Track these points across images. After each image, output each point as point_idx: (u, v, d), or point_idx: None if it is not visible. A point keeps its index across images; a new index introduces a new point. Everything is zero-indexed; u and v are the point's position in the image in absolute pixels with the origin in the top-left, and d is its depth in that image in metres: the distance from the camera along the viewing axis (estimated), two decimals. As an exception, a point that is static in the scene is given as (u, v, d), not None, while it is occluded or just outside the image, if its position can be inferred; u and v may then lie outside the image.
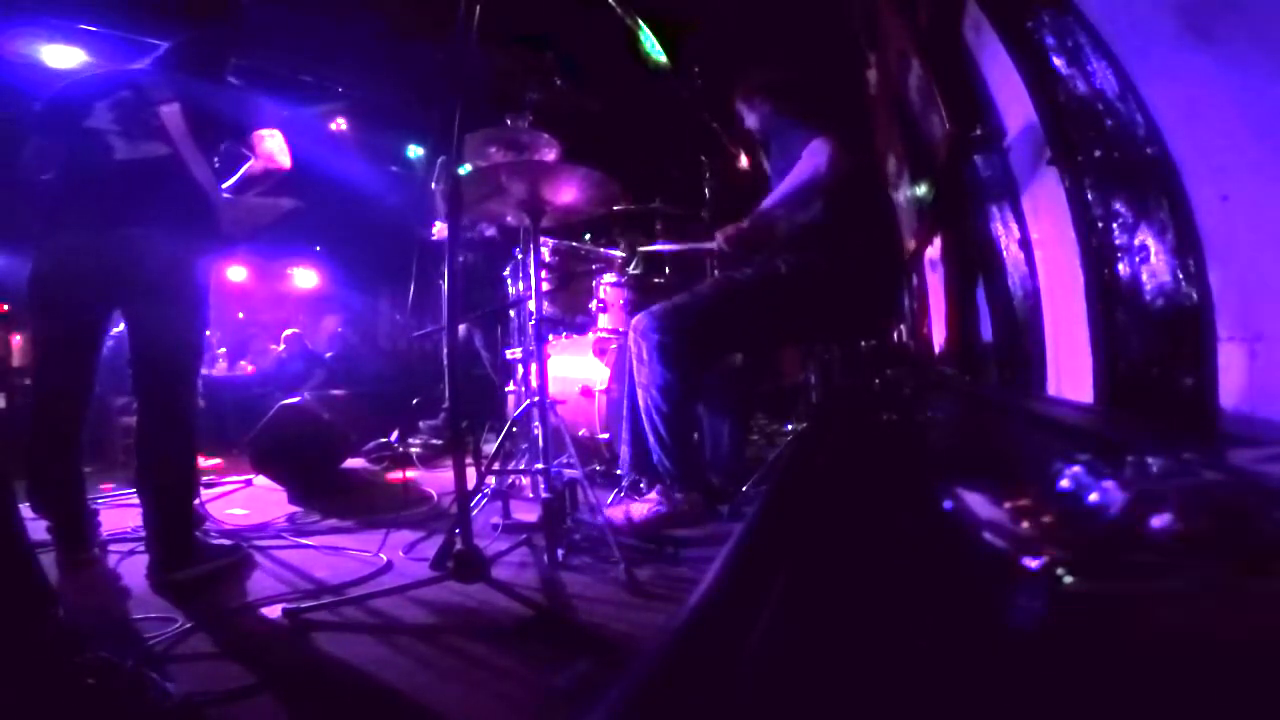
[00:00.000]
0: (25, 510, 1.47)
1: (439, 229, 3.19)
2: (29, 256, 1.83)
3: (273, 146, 1.98)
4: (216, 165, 2.00)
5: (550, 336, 2.85)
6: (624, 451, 2.09)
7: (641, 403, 1.98)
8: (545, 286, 2.66)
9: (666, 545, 1.84)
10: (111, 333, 2.02)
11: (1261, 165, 1.06)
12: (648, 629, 1.35)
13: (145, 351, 1.81)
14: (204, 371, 2.08)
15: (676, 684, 0.33)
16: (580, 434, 2.79)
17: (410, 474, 2.96)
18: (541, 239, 2.18)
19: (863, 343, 2.63)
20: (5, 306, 5.12)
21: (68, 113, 1.85)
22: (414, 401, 4.17)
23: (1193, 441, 0.71)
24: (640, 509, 1.94)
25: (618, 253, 2.93)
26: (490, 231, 3.78)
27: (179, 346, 1.83)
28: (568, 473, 1.96)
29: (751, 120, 2.27)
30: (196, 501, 2.04)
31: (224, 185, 1.98)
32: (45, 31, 3.84)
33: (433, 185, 3.24)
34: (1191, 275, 1.22)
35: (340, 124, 5.74)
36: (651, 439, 1.95)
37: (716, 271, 2.87)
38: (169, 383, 1.82)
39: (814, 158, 1.94)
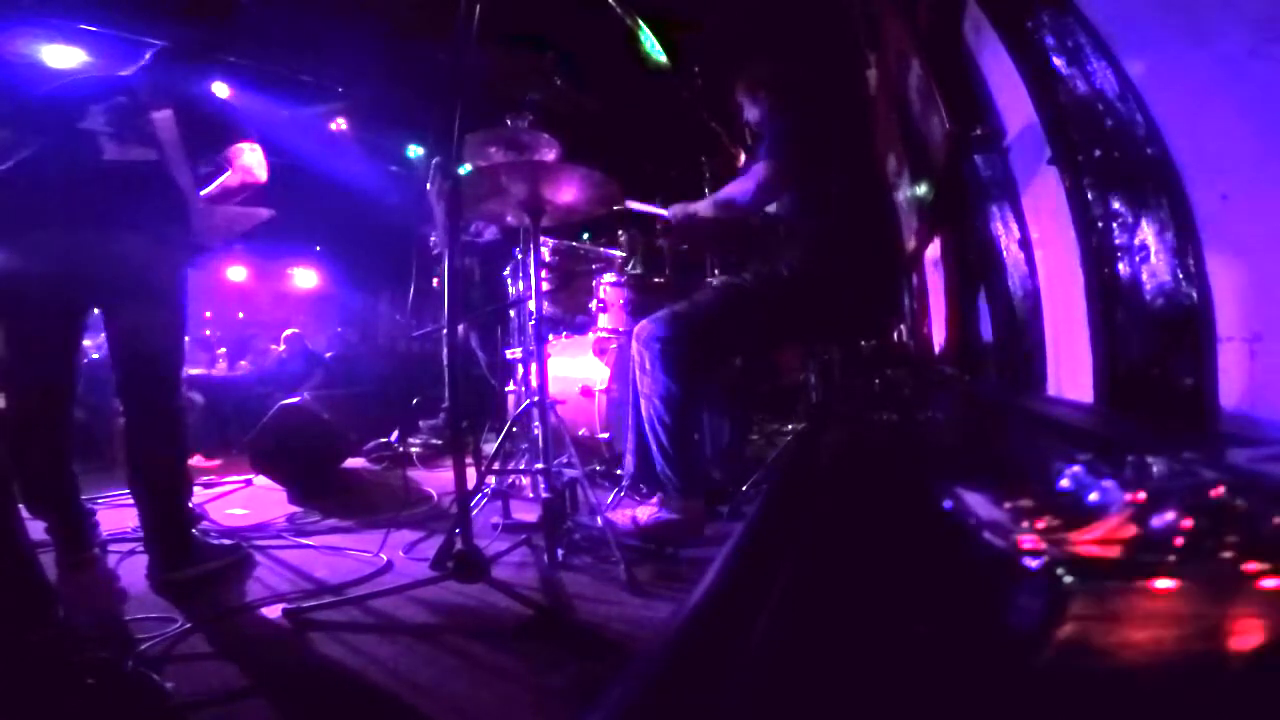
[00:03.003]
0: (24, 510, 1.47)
1: (435, 240, 3.20)
2: None
3: (251, 161, 2.03)
4: (203, 172, 2.05)
5: (550, 336, 2.85)
6: (628, 461, 2.10)
7: (645, 412, 1.97)
8: (545, 286, 2.65)
9: (666, 545, 1.84)
10: None
11: (1261, 165, 1.06)
12: (648, 629, 1.36)
13: (128, 353, 1.84)
14: (205, 371, 2.11)
15: (677, 684, 0.33)
16: (580, 434, 2.79)
17: (410, 474, 2.95)
18: (541, 239, 2.19)
19: (863, 343, 2.63)
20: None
21: (61, 112, 1.86)
22: (414, 401, 4.17)
23: (1193, 441, 0.71)
24: (645, 513, 1.94)
25: (618, 252, 2.92)
26: (491, 233, 3.78)
27: (161, 347, 1.85)
28: (568, 473, 1.96)
29: (752, 114, 2.27)
30: (192, 501, 2.04)
31: (202, 193, 2.02)
32: (45, 31, 3.84)
33: (428, 187, 3.24)
34: (1191, 275, 1.21)
35: (340, 124, 5.74)
36: (655, 449, 1.95)
37: (717, 271, 2.87)
38: (153, 383, 1.84)
39: (747, 181, 2.04)
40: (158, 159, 1.86)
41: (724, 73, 2.36)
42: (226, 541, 1.97)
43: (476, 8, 1.57)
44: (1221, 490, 0.43)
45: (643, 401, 1.98)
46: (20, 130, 1.85)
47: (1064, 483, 0.49)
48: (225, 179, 2.03)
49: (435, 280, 3.56)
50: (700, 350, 1.94)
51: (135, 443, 1.82)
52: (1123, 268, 1.38)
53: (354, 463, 3.49)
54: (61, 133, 1.83)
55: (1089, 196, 1.46)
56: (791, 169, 2.01)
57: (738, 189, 2.07)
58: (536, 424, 2.07)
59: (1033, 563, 0.36)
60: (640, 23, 2.50)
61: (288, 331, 6.22)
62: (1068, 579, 0.34)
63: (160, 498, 1.79)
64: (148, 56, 2.03)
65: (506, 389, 3.17)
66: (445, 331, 1.62)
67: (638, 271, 2.86)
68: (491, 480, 2.28)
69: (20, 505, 1.51)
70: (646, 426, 1.96)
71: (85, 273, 1.79)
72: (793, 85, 2.18)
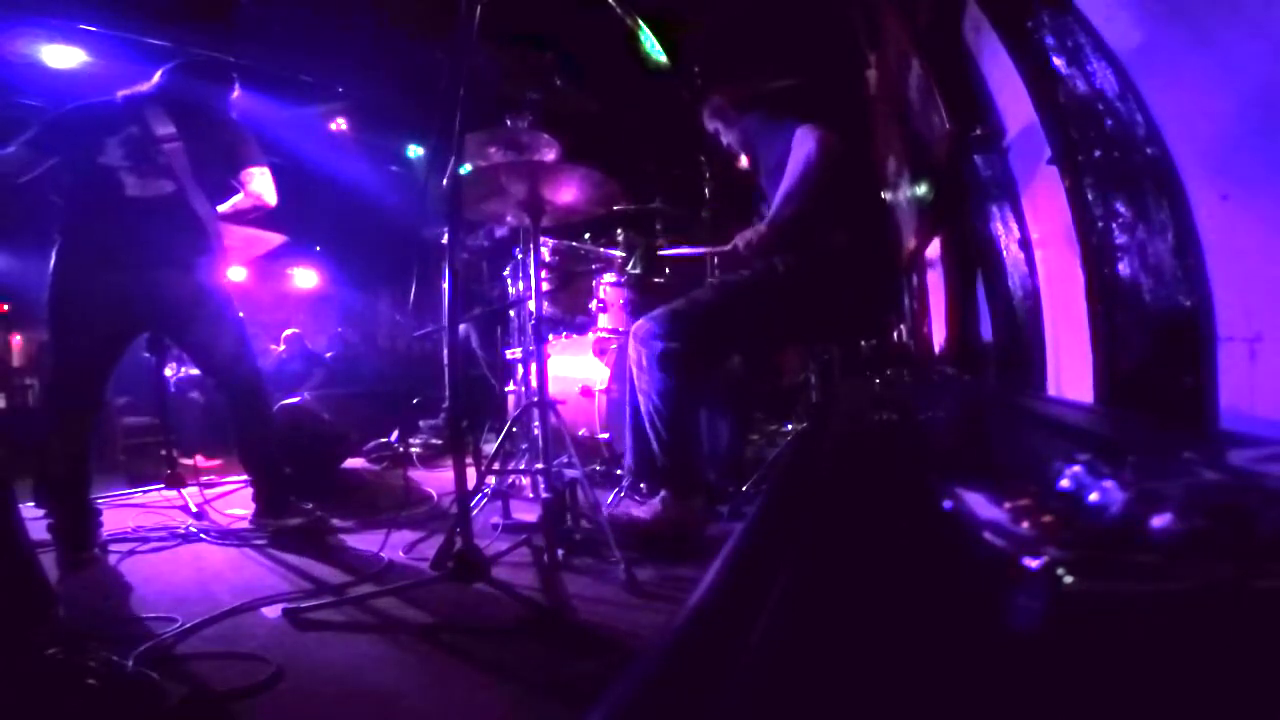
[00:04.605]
0: (26, 509, 1.47)
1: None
2: (29, 259, 1.95)
3: (261, 186, 2.19)
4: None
5: (550, 336, 2.85)
6: (627, 458, 2.10)
7: (643, 409, 1.97)
8: (545, 286, 2.65)
9: (665, 543, 1.84)
10: None
11: (1261, 165, 1.06)
12: (648, 629, 1.36)
13: (209, 363, 2.18)
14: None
15: (676, 684, 0.33)
16: (580, 434, 2.79)
17: (410, 474, 2.95)
18: (541, 239, 2.18)
19: (863, 343, 2.63)
20: (5, 306, 5.12)
21: (80, 146, 2.00)
22: (414, 401, 4.17)
23: (1193, 441, 0.71)
24: (643, 513, 1.94)
25: (618, 253, 2.93)
26: (501, 232, 3.78)
27: (222, 349, 2.12)
28: (568, 473, 1.97)
29: (731, 135, 2.25)
30: (203, 497, 2.32)
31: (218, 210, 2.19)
32: (45, 31, 3.84)
33: (444, 182, 3.25)
34: (1191, 275, 1.21)
35: (340, 124, 5.74)
36: (654, 445, 1.95)
37: (717, 271, 2.87)
38: (235, 375, 2.15)
39: (803, 146, 1.95)
40: (175, 190, 2.01)
41: (724, 73, 2.35)
42: (308, 505, 2.20)
43: (477, 8, 1.57)
44: (1221, 490, 0.43)
45: (641, 399, 1.98)
46: (39, 151, 1.95)
47: (1064, 483, 0.49)
48: (237, 201, 2.26)
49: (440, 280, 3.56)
50: (698, 347, 1.94)
51: (235, 422, 2.18)
52: (1123, 268, 1.38)
53: (354, 463, 3.49)
54: (86, 169, 1.93)
55: (1089, 196, 1.46)
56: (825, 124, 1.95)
57: (792, 174, 1.97)
58: (536, 424, 2.07)
59: (1033, 563, 0.36)
60: (640, 23, 2.50)
61: (288, 331, 6.21)
62: (1068, 579, 0.34)
63: (255, 461, 2.18)
64: (163, 79, 2.13)
65: (506, 389, 3.17)
66: (446, 330, 1.62)
67: (637, 271, 2.86)
68: (491, 480, 2.28)
69: (29, 503, 1.54)
70: (646, 423, 1.96)
71: (131, 310, 1.99)
72: (770, 94, 2.17)
